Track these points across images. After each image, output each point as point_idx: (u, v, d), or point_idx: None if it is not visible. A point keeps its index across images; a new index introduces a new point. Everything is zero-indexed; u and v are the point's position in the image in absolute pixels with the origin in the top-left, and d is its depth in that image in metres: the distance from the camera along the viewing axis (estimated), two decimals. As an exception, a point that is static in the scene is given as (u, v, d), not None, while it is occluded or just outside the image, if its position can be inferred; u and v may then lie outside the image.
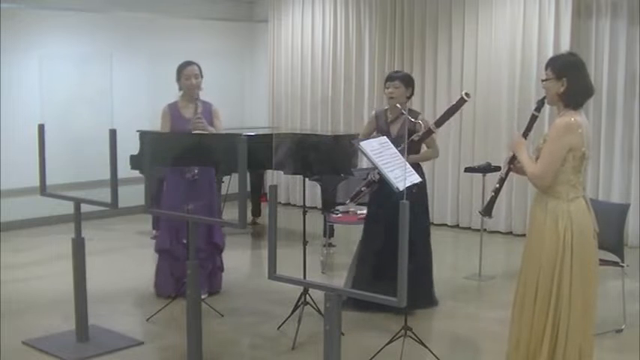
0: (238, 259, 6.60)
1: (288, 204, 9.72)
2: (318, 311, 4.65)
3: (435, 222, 7.60)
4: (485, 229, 7.14)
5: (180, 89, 5.36)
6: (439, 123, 4.92)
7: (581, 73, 3.45)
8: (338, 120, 9.20)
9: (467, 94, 4.73)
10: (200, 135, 5.12)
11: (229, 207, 7.26)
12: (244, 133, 5.80)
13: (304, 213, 4.90)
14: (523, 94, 7.52)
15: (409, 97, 5.16)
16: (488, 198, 3.90)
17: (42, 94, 7.27)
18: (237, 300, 5.50)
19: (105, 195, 4.31)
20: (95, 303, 4.83)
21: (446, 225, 8.24)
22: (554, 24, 7.32)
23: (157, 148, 4.53)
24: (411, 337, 4.29)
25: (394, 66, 8.42)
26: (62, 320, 4.88)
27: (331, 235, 6.88)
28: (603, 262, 4.33)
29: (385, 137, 4.38)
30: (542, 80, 3.50)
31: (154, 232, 7.30)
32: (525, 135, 3.63)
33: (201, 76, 5.31)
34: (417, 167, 4.90)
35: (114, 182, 4.21)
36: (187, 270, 3.85)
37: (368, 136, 5.00)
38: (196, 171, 5.23)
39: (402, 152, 4.20)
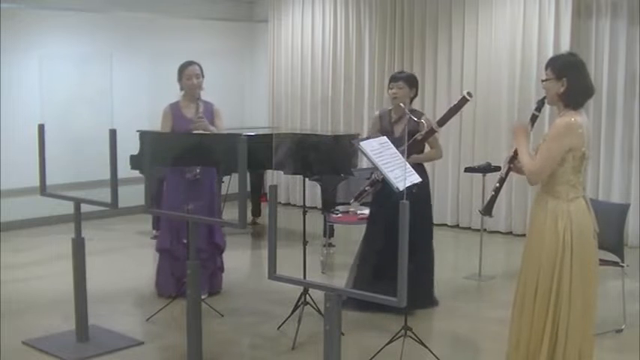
0: (238, 259, 6.60)
1: (288, 204, 9.72)
2: (318, 311, 4.65)
3: (435, 222, 7.56)
4: (485, 229, 7.14)
5: (181, 89, 5.37)
6: (441, 122, 4.91)
7: (581, 73, 3.45)
8: (338, 120, 9.19)
9: (469, 94, 4.73)
10: (199, 135, 5.12)
11: (229, 207, 7.25)
12: (244, 133, 5.81)
13: (304, 213, 4.89)
14: (523, 94, 7.52)
15: (413, 98, 5.15)
16: (488, 198, 3.90)
17: (42, 94, 7.27)
18: (238, 300, 5.49)
19: (105, 195, 4.31)
20: (95, 303, 4.82)
21: (446, 225, 8.23)
22: (554, 24, 7.32)
23: (156, 148, 4.53)
24: (411, 337, 4.29)
25: (394, 66, 8.42)
26: (62, 320, 4.87)
27: (331, 235, 6.87)
28: (603, 262, 4.32)
29: (385, 137, 4.38)
30: (543, 80, 3.50)
31: (154, 232, 7.31)
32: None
33: (203, 76, 5.32)
34: (420, 167, 4.90)
35: (114, 182, 4.21)
36: (187, 270, 3.85)
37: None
38: (198, 170, 5.23)
39: (404, 153, 4.19)
